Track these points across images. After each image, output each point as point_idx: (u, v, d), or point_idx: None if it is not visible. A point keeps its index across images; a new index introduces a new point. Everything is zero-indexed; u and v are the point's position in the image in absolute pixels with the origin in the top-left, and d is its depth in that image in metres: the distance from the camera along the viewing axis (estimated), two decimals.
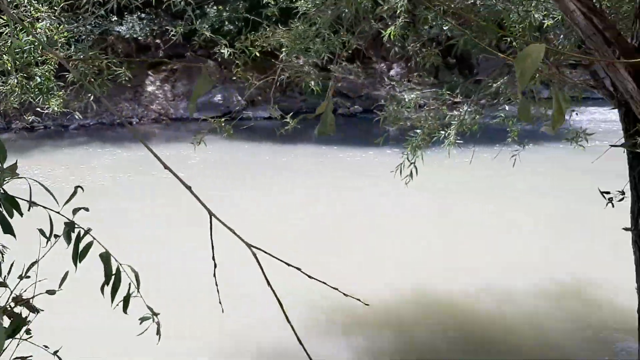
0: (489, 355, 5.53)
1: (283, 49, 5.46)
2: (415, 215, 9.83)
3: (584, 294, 6.58)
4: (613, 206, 3.17)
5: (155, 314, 1.74)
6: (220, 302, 1.25)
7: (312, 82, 5.56)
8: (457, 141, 5.59)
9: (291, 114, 5.49)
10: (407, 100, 6.14)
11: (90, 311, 6.08)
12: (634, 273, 3.42)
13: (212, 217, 1.02)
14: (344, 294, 1.15)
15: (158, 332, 1.69)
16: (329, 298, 6.59)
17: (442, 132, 5.59)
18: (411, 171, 5.48)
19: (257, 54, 5.57)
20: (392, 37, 5.86)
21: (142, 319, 1.45)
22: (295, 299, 6.64)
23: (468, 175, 11.47)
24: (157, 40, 21.55)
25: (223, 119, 5.20)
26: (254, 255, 1.00)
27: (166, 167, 0.98)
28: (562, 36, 4.62)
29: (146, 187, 11.61)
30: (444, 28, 5.82)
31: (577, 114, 5.44)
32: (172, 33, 5.60)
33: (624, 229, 3.41)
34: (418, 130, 5.90)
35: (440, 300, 6.62)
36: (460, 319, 6.32)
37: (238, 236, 1.01)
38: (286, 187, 12.06)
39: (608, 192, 3.19)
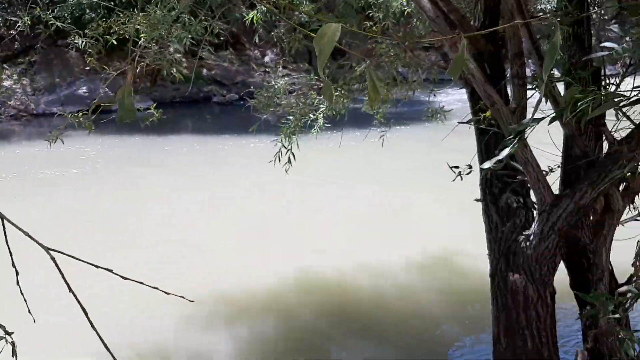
0: (368, 330, 5.72)
1: (142, 36, 5.21)
2: (289, 201, 9.92)
3: (452, 263, 7.00)
4: (462, 179, 3.36)
5: (9, 333, 1.56)
6: (29, 312, 1.14)
7: (174, 70, 5.38)
8: (325, 125, 5.68)
9: (154, 104, 5.29)
10: (276, 86, 6.14)
11: None
12: None
13: (4, 220, 0.92)
14: (166, 292, 1.09)
15: (14, 354, 1.51)
16: (213, 291, 6.50)
17: (311, 116, 5.65)
18: (289, 158, 5.50)
19: (115, 42, 5.28)
20: (255, 22, 5.80)
21: None
22: (174, 291, 6.47)
23: (340, 158, 11.75)
24: (12, 31, 19.83)
25: (80, 114, 4.87)
26: (52, 259, 0.91)
27: None
28: (415, 20, 4.82)
29: None
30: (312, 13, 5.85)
31: (434, 94, 5.73)
32: (18, 25, 5.14)
33: (475, 200, 3.64)
34: (290, 117, 5.93)
35: (319, 282, 6.74)
36: (339, 298, 6.47)
37: (33, 239, 0.92)
38: (157, 179, 11.66)
39: (457, 167, 3.38)
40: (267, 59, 21.61)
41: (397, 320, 5.92)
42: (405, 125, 13.64)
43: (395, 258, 7.15)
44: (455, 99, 13.63)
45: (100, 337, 0.91)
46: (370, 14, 5.91)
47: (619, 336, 2.95)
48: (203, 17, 5.36)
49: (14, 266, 1.00)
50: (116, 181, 11.55)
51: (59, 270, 0.91)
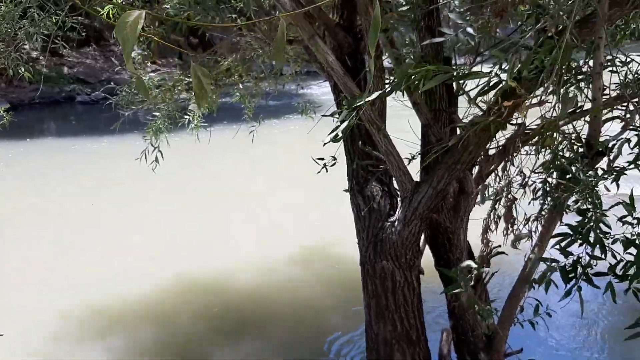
0: (251, 328, 5.66)
1: None
2: (157, 202, 9.60)
3: (330, 254, 7.12)
4: (327, 171, 3.40)
5: None
6: None
7: (22, 69, 4.95)
8: (201, 124, 5.53)
9: (8, 106, 4.84)
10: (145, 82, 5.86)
11: None
12: None
13: None
14: None
15: None
16: (82, 301, 6.13)
17: (187, 116, 5.48)
18: (156, 157, 5.29)
19: None
20: (111, 16, 5.48)
21: None
22: (42, 309, 6.03)
23: (210, 154, 11.46)
24: None
25: None
26: None
27: None
28: (277, 12, 4.81)
29: None
30: (178, 6, 5.64)
31: (302, 87, 5.77)
32: None
33: (344, 190, 3.70)
34: (157, 113, 5.70)
35: (196, 285, 6.58)
36: (220, 298, 6.35)
37: None
38: (17, 186, 10.76)
39: (322, 159, 3.41)
40: (134, 54, 20.66)
41: (276, 315, 5.92)
42: (276, 119, 13.68)
43: (273, 253, 7.16)
44: (327, 90, 13.92)
45: None
46: (235, 6, 5.81)
47: (478, 310, 3.14)
48: (53, 11, 4.98)
49: None
50: None
51: None
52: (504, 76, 2.27)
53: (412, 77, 2.25)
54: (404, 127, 3.79)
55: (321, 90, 13.72)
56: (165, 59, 20.31)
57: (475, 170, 3.55)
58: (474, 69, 3.41)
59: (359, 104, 2.23)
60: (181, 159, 9.80)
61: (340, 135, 2.33)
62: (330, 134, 2.37)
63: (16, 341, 5.41)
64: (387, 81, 3.41)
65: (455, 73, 2.58)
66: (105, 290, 6.41)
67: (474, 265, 3.01)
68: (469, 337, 3.45)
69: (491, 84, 2.50)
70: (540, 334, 4.91)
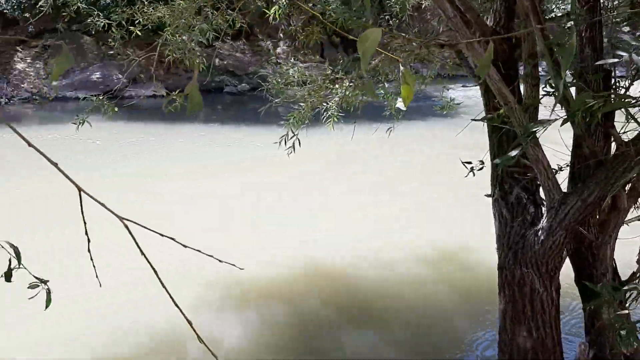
0: (375, 321, 5.86)
1: (166, 28, 5.36)
2: (300, 190, 10.05)
3: (459, 258, 7.11)
4: (474, 175, 3.48)
5: (45, 281, 1.74)
6: (97, 277, 1.28)
7: (197, 60, 5.51)
8: (339, 114, 5.79)
9: (165, 91, 5.45)
10: (290, 74, 6.24)
11: None
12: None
13: (81, 192, 1.05)
14: (219, 260, 1.22)
15: (48, 298, 1.70)
16: (222, 276, 6.64)
17: (324, 105, 5.77)
18: (294, 143, 5.61)
19: (139, 33, 5.44)
20: (277, 16, 5.91)
21: (32, 286, 1.47)
22: (187, 278, 6.63)
23: (349, 149, 11.88)
24: (27, 14, 19.99)
25: (104, 99, 5.03)
26: (126, 227, 1.04)
27: (30, 144, 0.99)
28: (429, 15, 4.93)
29: (19, 169, 10.90)
30: (329, 7, 5.95)
31: (447, 89, 5.84)
32: (40, 5, 5.27)
33: (485, 195, 3.76)
34: (302, 104, 6.04)
35: (327, 271, 6.88)
36: (347, 287, 6.61)
37: (108, 209, 1.05)
38: (174, 167, 11.82)
39: (470, 162, 3.49)
40: (279, 50, 21.71)
41: (401, 311, 6.04)
42: (416, 120, 13.74)
43: (402, 251, 7.28)
44: (466, 94, 13.71)
45: (171, 296, 1.04)
46: (387, 8, 6.00)
47: (621, 330, 3.07)
48: (224, 9, 5.49)
49: (86, 234, 1.14)
50: (126, 169, 11.72)
51: (132, 237, 1.04)
52: None
53: (590, 106, 2.25)
54: (554, 138, 3.76)
55: (465, 94, 13.60)
56: (307, 56, 21.06)
57: (628, 187, 3.45)
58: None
59: (533, 129, 2.27)
60: (319, 151, 10.24)
61: (514, 158, 2.36)
62: (501, 157, 2.43)
63: (158, 309, 5.99)
64: (540, 91, 3.41)
65: (632, 101, 2.54)
66: (246, 268, 6.91)
67: (622, 285, 2.95)
68: (606, 355, 3.38)
69: None
70: None
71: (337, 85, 6.01)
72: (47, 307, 1.75)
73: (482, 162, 3.49)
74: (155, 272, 1.01)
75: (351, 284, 6.66)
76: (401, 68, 1.14)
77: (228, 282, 6.58)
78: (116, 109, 4.64)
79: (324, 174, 10.91)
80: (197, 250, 1.09)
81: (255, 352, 5.32)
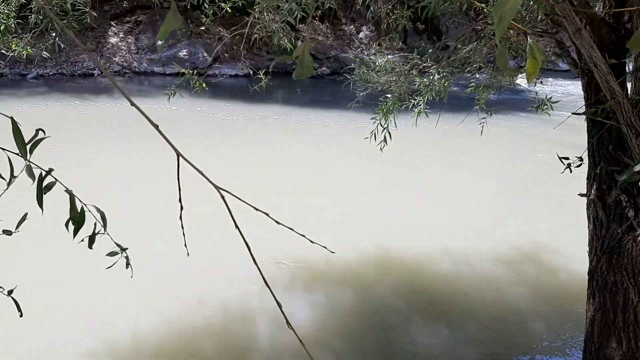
0: (447, 316, 5.70)
1: (255, 7, 5.38)
2: (379, 178, 9.93)
3: (540, 259, 6.80)
4: (571, 171, 3.26)
5: (124, 249, 1.77)
6: (185, 245, 1.26)
7: (285, 40, 5.52)
8: (425, 110, 5.63)
9: (263, 72, 5.51)
10: (377, 64, 6.12)
11: (55, 250, 6.10)
12: (587, 239, 3.55)
13: (180, 157, 1.01)
14: (311, 241, 1.17)
15: (128, 265, 1.73)
16: (293, 254, 6.68)
17: (412, 100, 5.61)
18: (385, 137, 5.52)
19: (228, 9, 5.50)
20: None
21: (111, 254, 1.47)
22: (258, 253, 6.69)
23: (433, 140, 11.65)
24: None
25: (195, 74, 5.14)
26: (222, 197, 1.00)
27: (132, 103, 0.96)
28: (531, 2, 4.64)
29: (110, 136, 11.41)
30: None
31: (541, 82, 5.54)
32: None
33: (579, 194, 3.53)
34: (389, 95, 5.90)
35: (401, 261, 6.76)
36: (419, 279, 6.47)
37: (206, 178, 1.01)
38: (254, 146, 12.00)
39: (567, 158, 3.28)
40: (361, 35, 21.51)
41: (474, 310, 5.85)
42: (504, 114, 13.24)
43: (480, 247, 7.04)
44: (549, 89, 13.08)
45: (260, 270, 0.99)
46: None
47: None
48: None
49: (180, 202, 1.10)
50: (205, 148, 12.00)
51: (227, 207, 1.00)
52: None
53: None
54: None
55: (551, 89, 12.97)
56: (390, 42, 20.75)
57: None
58: None
59: None
60: (401, 141, 10.03)
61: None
62: (627, 171, 2.22)
63: (227, 273, 6.08)
64: None
65: None
66: (314, 248, 6.91)
67: None
68: None
69: None
70: None
71: (424, 79, 5.81)
72: (127, 267, 1.77)
73: (580, 159, 3.27)
74: (248, 247, 0.96)
75: (424, 276, 6.52)
76: (529, 40, 1.03)
77: (297, 263, 6.61)
78: (204, 85, 4.74)
79: (405, 163, 10.72)
80: (290, 228, 1.03)
81: (321, 337, 5.31)
